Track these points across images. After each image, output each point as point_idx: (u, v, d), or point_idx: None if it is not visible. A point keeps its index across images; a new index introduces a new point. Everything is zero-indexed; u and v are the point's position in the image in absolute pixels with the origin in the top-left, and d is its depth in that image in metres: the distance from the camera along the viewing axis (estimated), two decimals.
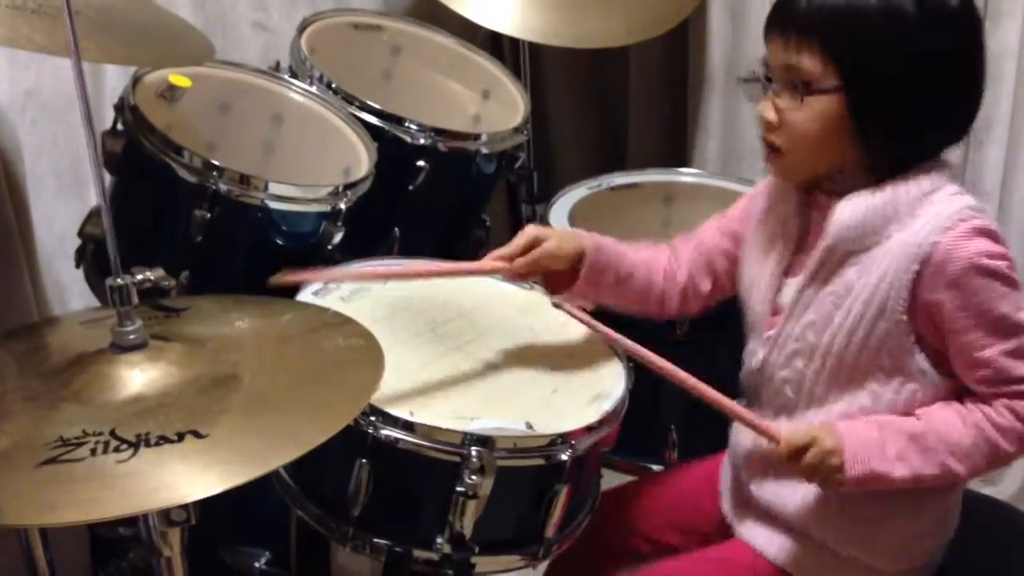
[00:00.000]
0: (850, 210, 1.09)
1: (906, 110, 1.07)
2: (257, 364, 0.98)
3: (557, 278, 1.30)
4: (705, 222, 1.35)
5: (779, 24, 1.09)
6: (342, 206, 1.40)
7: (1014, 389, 1.08)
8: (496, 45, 2.07)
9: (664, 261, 1.33)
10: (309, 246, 1.41)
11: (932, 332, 1.09)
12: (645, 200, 1.90)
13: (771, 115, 1.11)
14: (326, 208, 1.40)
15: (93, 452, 0.80)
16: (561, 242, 1.28)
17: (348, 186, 1.42)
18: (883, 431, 1.08)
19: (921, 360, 1.10)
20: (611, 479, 1.42)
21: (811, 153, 1.11)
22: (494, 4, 1.89)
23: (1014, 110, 1.88)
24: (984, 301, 1.06)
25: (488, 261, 1.29)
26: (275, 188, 1.36)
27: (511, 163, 1.76)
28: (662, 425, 1.63)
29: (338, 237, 1.41)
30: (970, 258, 1.05)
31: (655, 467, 1.64)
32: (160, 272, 0.96)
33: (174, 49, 1.26)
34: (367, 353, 1.01)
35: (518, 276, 1.29)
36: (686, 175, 1.95)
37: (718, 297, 1.33)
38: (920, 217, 1.07)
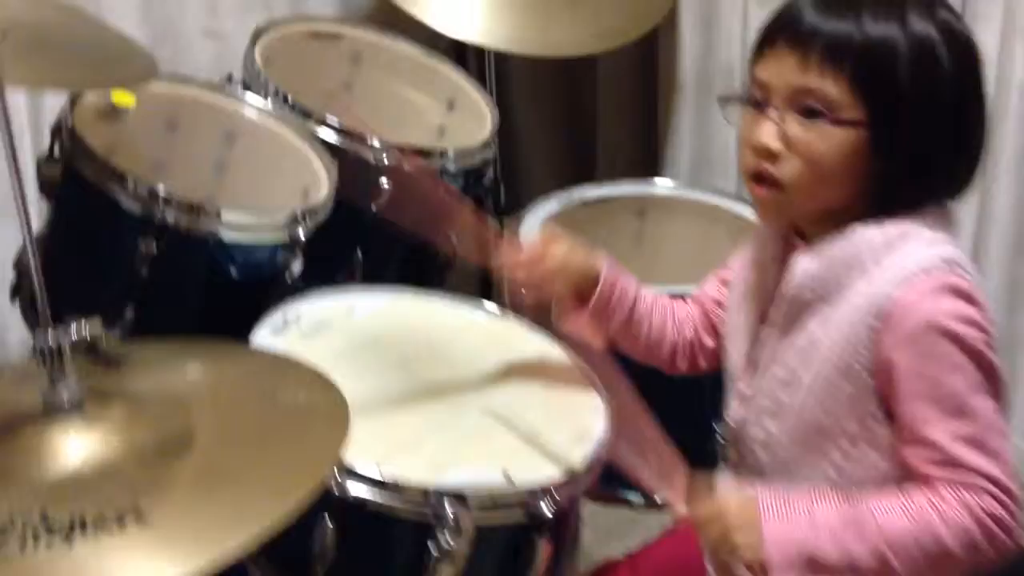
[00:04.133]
0: (810, 256, 1.00)
1: (928, 151, 0.98)
2: (208, 425, 0.89)
3: (566, 301, 1.18)
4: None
5: (795, 40, 0.97)
6: (302, 234, 1.31)
7: (965, 479, 0.93)
8: (460, 54, 1.99)
9: (679, 314, 1.23)
10: (266, 278, 1.32)
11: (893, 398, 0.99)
12: (617, 213, 1.83)
13: (776, 144, 0.98)
14: (284, 237, 1.30)
15: (22, 546, 0.71)
16: (571, 252, 1.17)
17: (307, 212, 1.33)
18: (814, 511, 0.96)
19: (888, 431, 0.98)
20: (586, 511, 1.34)
21: (817, 188, 0.99)
22: (458, 11, 1.80)
23: None
24: (938, 369, 0.93)
25: (505, 254, 1.17)
26: (228, 216, 1.26)
27: (479, 179, 1.68)
28: None
29: (298, 267, 1.31)
30: (929, 316, 0.93)
31: (633, 498, 1.56)
32: (98, 328, 0.86)
33: (115, 69, 1.16)
34: (331, 410, 0.92)
35: (531, 281, 1.16)
36: (660, 187, 1.88)
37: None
38: (883, 267, 0.97)
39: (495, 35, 1.79)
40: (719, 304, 1.20)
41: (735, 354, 1.12)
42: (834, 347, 0.98)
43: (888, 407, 0.98)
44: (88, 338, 0.86)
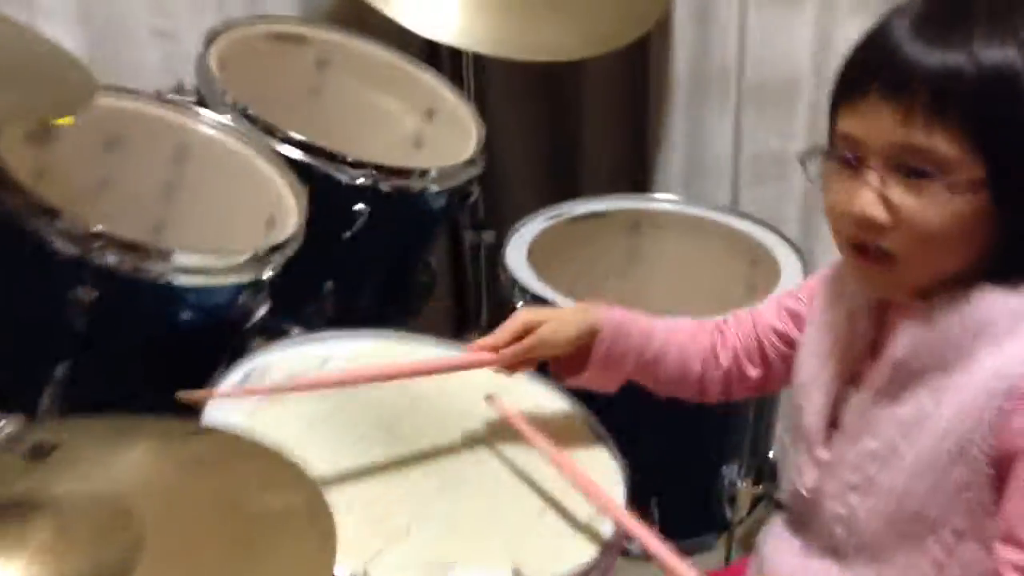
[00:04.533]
0: (926, 319, 0.86)
1: None
2: (156, 543, 0.71)
3: (565, 362, 1.08)
4: (764, 300, 1.12)
5: (894, 86, 0.81)
6: (266, 275, 1.13)
7: None
8: (434, 56, 1.82)
9: (706, 343, 1.09)
10: (226, 325, 1.14)
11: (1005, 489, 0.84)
12: (609, 229, 1.71)
13: (880, 213, 0.82)
14: (246, 279, 1.12)
15: None
16: (560, 325, 1.05)
17: (274, 248, 1.15)
18: None
19: None
20: None
21: (936, 260, 0.84)
22: (432, 10, 1.62)
23: None
24: None
25: (472, 355, 1.07)
26: (181, 259, 1.07)
27: (463, 199, 1.52)
28: (640, 495, 1.42)
29: (262, 311, 1.14)
30: None
31: (632, 547, 1.43)
32: (16, 425, 0.68)
33: (46, 93, 0.97)
34: (312, 520, 0.75)
35: (509, 368, 1.07)
36: (654, 201, 1.76)
37: (770, 387, 1.10)
38: (1019, 339, 0.83)
39: (473, 36, 1.63)
40: (780, 336, 1.07)
41: (811, 413, 0.96)
42: (949, 425, 0.84)
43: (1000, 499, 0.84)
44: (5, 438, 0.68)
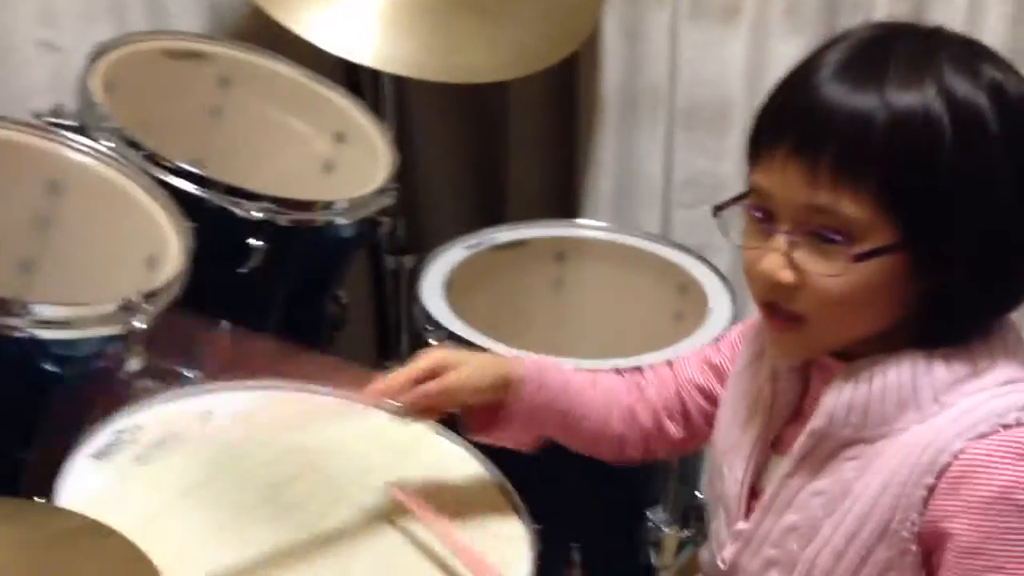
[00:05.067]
0: (851, 387, 0.79)
1: (989, 261, 0.76)
2: None
3: (478, 416, 0.99)
4: (685, 354, 1.06)
5: (797, 146, 0.75)
6: (139, 325, 1.03)
7: None
8: (352, 77, 1.73)
9: (624, 401, 1.02)
10: (93, 377, 1.03)
11: None
12: (533, 258, 1.64)
13: (787, 276, 0.77)
14: (116, 330, 1.02)
15: None
16: (472, 373, 0.96)
17: (149, 296, 1.05)
18: None
19: None
20: None
21: (847, 325, 0.79)
22: (348, 30, 1.53)
23: None
24: (1003, 554, 0.74)
25: (370, 393, 0.96)
26: (40, 311, 0.97)
27: (373, 228, 1.43)
28: (562, 542, 1.36)
29: (134, 363, 1.03)
30: (1003, 486, 0.74)
31: None
32: None
33: None
34: None
35: (418, 409, 0.96)
36: (581, 227, 1.69)
37: (692, 445, 1.04)
38: (949, 409, 0.77)
39: (392, 58, 1.54)
40: (702, 392, 1.01)
41: (731, 481, 0.90)
42: (872, 502, 0.78)
43: None
44: None
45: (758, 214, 0.79)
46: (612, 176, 1.91)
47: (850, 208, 0.74)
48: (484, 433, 1.00)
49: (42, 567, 0.72)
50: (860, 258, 0.75)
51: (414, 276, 1.48)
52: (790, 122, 0.76)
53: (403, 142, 1.86)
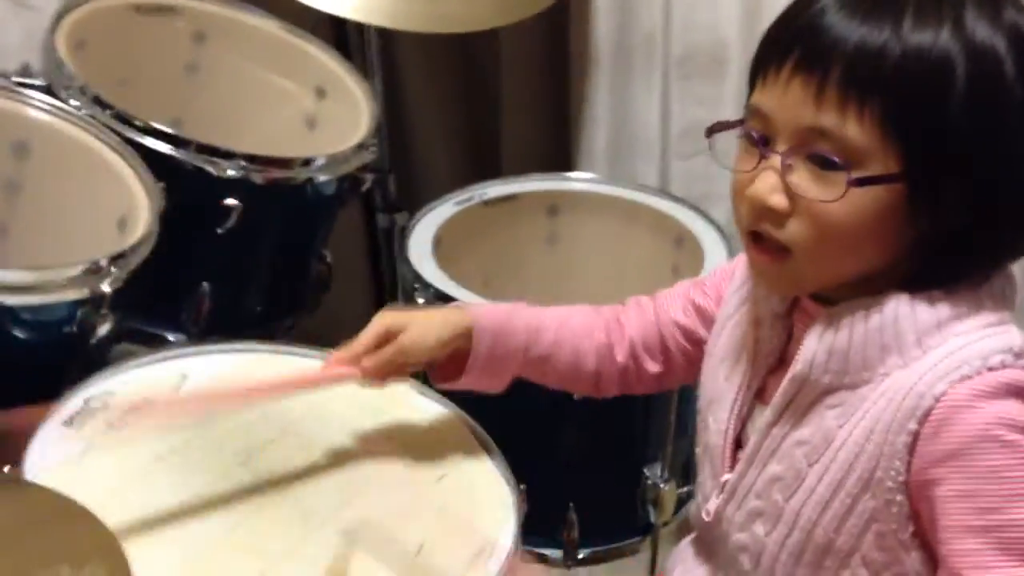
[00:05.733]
0: (832, 331, 0.76)
1: (991, 207, 0.73)
2: None
3: (439, 368, 0.98)
4: (670, 288, 1.02)
5: (804, 60, 0.72)
6: (107, 288, 1.00)
7: None
8: (338, 31, 1.69)
9: (602, 337, 1.00)
10: (61, 344, 1.01)
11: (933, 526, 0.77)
12: (525, 212, 1.60)
13: (779, 200, 0.75)
14: (83, 294, 0.99)
15: None
16: (423, 331, 0.95)
17: (115, 258, 1.02)
18: None
19: (920, 562, 0.77)
20: None
21: (837, 259, 0.76)
22: None
23: None
24: (997, 495, 0.72)
25: (331, 368, 0.96)
26: (4, 277, 0.94)
27: (356, 185, 1.40)
28: (558, 503, 1.35)
29: (105, 328, 1.01)
30: (989, 424, 0.72)
31: (553, 553, 1.36)
32: None
33: None
34: None
35: (374, 379, 0.96)
36: (573, 180, 1.66)
37: (670, 382, 1.02)
38: (932, 353, 0.74)
39: (376, 10, 1.49)
40: (684, 332, 0.98)
41: (716, 431, 0.88)
42: (856, 449, 0.76)
43: (924, 535, 0.76)
44: None
45: (754, 135, 0.76)
46: (607, 128, 1.87)
47: (854, 131, 0.71)
48: (448, 381, 0.99)
49: (4, 546, 0.69)
50: (861, 183, 0.72)
51: (404, 233, 1.45)
52: (798, 39, 0.73)
53: (393, 99, 1.83)
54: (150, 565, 0.76)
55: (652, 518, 1.40)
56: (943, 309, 0.75)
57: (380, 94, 1.57)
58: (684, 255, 1.53)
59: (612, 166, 1.86)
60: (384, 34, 1.65)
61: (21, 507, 0.74)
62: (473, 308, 0.99)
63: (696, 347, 0.97)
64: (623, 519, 1.41)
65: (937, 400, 0.73)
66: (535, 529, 1.35)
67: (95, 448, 0.91)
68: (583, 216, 1.61)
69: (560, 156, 1.91)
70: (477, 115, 1.99)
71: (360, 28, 1.66)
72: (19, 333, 0.99)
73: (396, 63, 1.85)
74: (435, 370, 0.99)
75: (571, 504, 1.34)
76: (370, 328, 0.95)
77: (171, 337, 1.28)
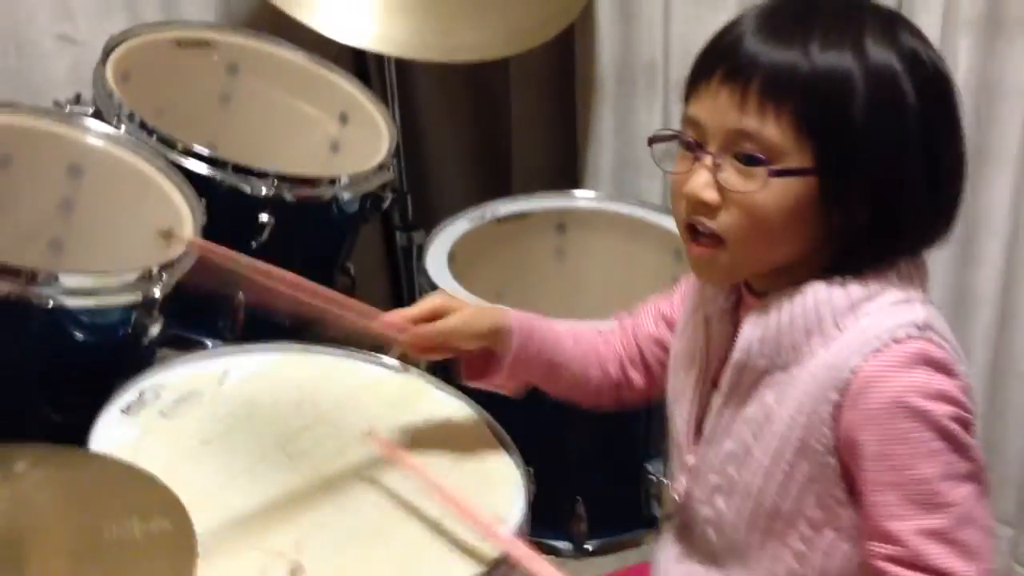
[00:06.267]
0: (763, 319, 0.86)
1: (892, 200, 0.83)
2: (13, 569, 0.70)
3: (471, 363, 1.06)
4: (643, 303, 1.11)
5: (733, 73, 0.82)
6: (158, 293, 1.11)
7: None
8: (359, 61, 1.80)
9: (601, 352, 1.09)
10: (117, 343, 1.12)
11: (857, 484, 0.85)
12: (535, 230, 1.69)
13: (711, 195, 0.84)
14: (136, 298, 1.10)
15: None
16: (472, 318, 1.03)
17: (165, 266, 1.13)
18: None
19: (855, 516, 0.86)
20: None
21: (763, 246, 0.85)
22: (350, 16, 1.60)
23: None
24: (906, 453, 0.81)
25: (387, 319, 1.03)
26: (67, 281, 1.05)
27: (377, 203, 1.50)
28: (567, 495, 1.42)
29: (156, 329, 1.12)
30: (899, 391, 0.80)
31: (563, 545, 1.43)
32: None
33: None
34: (175, 545, 0.73)
35: (418, 348, 1.04)
36: (580, 199, 1.74)
37: (655, 393, 1.09)
38: (847, 332, 0.83)
39: (393, 41, 1.60)
40: (657, 342, 1.07)
41: (679, 420, 0.97)
42: (790, 422, 0.85)
43: (854, 490, 0.85)
44: None
45: (690, 140, 0.85)
46: (612, 149, 1.95)
47: (773, 131, 0.81)
48: (476, 378, 1.07)
49: (81, 504, 0.80)
50: (778, 174, 0.82)
51: (421, 250, 1.54)
52: (724, 57, 0.83)
53: (410, 123, 1.93)
54: (200, 530, 0.86)
55: (655, 511, 1.46)
56: (855, 291, 0.84)
57: (397, 119, 1.67)
58: (683, 267, 1.57)
59: (617, 184, 1.94)
60: (401, 64, 1.76)
61: (93, 473, 0.85)
62: (506, 312, 1.06)
63: (666, 353, 1.05)
64: (629, 513, 1.47)
65: (853, 373, 0.82)
66: (546, 522, 1.44)
67: (149, 433, 1.02)
68: (589, 232, 1.70)
69: (567, 175, 2.00)
70: (488, 137, 2.09)
71: (379, 58, 1.77)
72: (80, 334, 1.09)
73: (412, 90, 1.95)
74: (462, 365, 1.07)
75: (579, 498, 1.41)
76: (425, 302, 1.03)
77: (209, 343, 1.38)
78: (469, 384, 1.09)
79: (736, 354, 0.88)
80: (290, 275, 1.05)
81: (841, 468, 0.84)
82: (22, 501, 0.80)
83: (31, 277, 1.03)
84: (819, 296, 0.84)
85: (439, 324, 1.02)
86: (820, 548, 0.87)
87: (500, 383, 1.07)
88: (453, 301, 1.05)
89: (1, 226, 1.20)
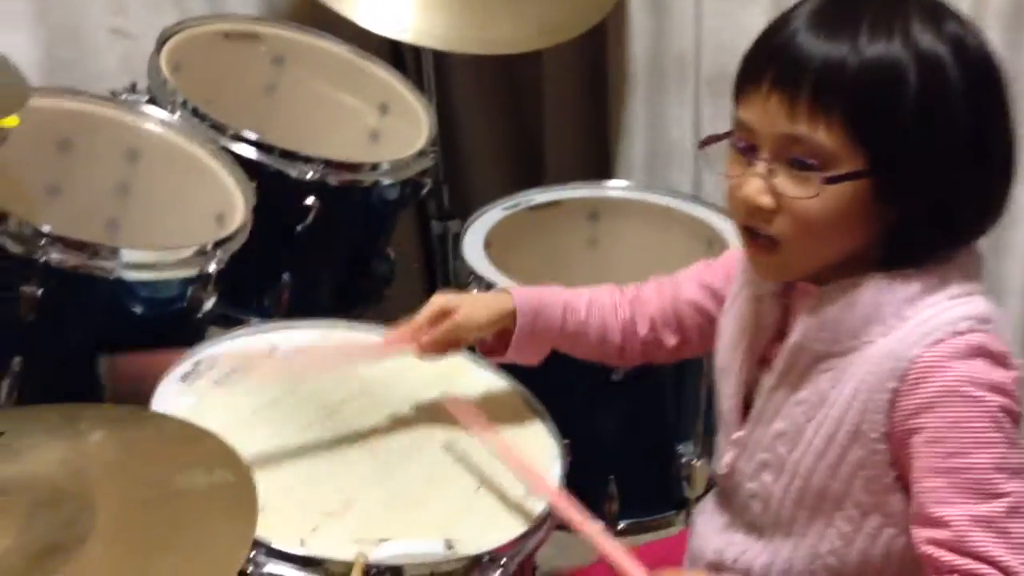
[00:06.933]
0: (824, 307, 0.89)
1: (946, 192, 0.85)
2: (92, 525, 0.75)
3: (488, 344, 1.11)
4: (685, 269, 1.15)
5: (779, 79, 0.83)
6: (212, 268, 1.17)
7: (977, 569, 0.82)
8: (396, 53, 1.85)
9: (626, 313, 1.12)
10: (173, 316, 1.18)
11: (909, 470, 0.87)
12: (568, 218, 1.72)
13: (766, 200, 0.86)
14: (193, 272, 1.16)
15: None
16: (473, 310, 1.09)
17: (219, 243, 1.18)
18: None
19: (902, 503, 0.88)
20: None
21: (819, 247, 0.87)
22: (389, 9, 1.65)
23: None
24: (960, 441, 0.83)
25: (391, 341, 1.09)
26: (127, 255, 1.11)
27: (416, 189, 1.55)
28: (600, 476, 1.46)
29: (210, 303, 1.17)
30: (954, 382, 0.83)
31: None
32: None
33: None
34: (237, 495, 0.79)
35: (429, 353, 1.10)
36: (612, 188, 1.76)
37: (686, 354, 1.14)
38: (908, 322, 0.86)
39: (430, 34, 1.65)
40: (698, 310, 1.10)
41: (727, 396, 1.00)
42: (845, 407, 0.88)
43: (904, 478, 0.87)
44: None
45: (741, 144, 0.87)
46: (643, 141, 1.98)
47: (824, 137, 0.83)
48: (496, 357, 1.12)
49: (146, 458, 0.85)
50: (832, 180, 0.83)
51: (457, 237, 1.58)
52: (772, 61, 0.85)
53: (446, 114, 1.95)
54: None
55: (686, 492, 1.50)
56: (915, 284, 0.86)
57: (433, 110, 1.73)
58: (714, 256, 1.63)
59: (648, 174, 1.97)
60: (437, 56, 1.81)
61: (155, 431, 0.90)
62: (515, 291, 1.11)
63: (707, 321, 1.08)
64: (659, 493, 1.50)
65: (912, 362, 0.84)
66: (577, 503, 1.48)
67: (204, 401, 1.08)
68: (622, 221, 1.73)
69: (599, 166, 2.04)
70: (522, 129, 2.13)
71: (415, 51, 1.82)
72: (139, 306, 1.15)
73: (448, 83, 2.00)
74: (483, 345, 1.12)
75: (611, 478, 1.44)
76: (426, 308, 1.08)
77: (254, 321, 1.43)
78: (489, 360, 1.14)
79: (793, 337, 0.91)
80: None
81: (892, 455, 0.86)
82: (90, 456, 0.85)
83: (94, 251, 1.09)
84: (880, 288, 0.87)
85: (446, 324, 1.07)
86: (865, 531, 0.89)
87: (517, 357, 1.11)
88: (455, 298, 1.09)
89: (61, 206, 1.26)
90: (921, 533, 0.85)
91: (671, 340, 1.12)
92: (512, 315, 1.08)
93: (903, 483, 0.87)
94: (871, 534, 0.89)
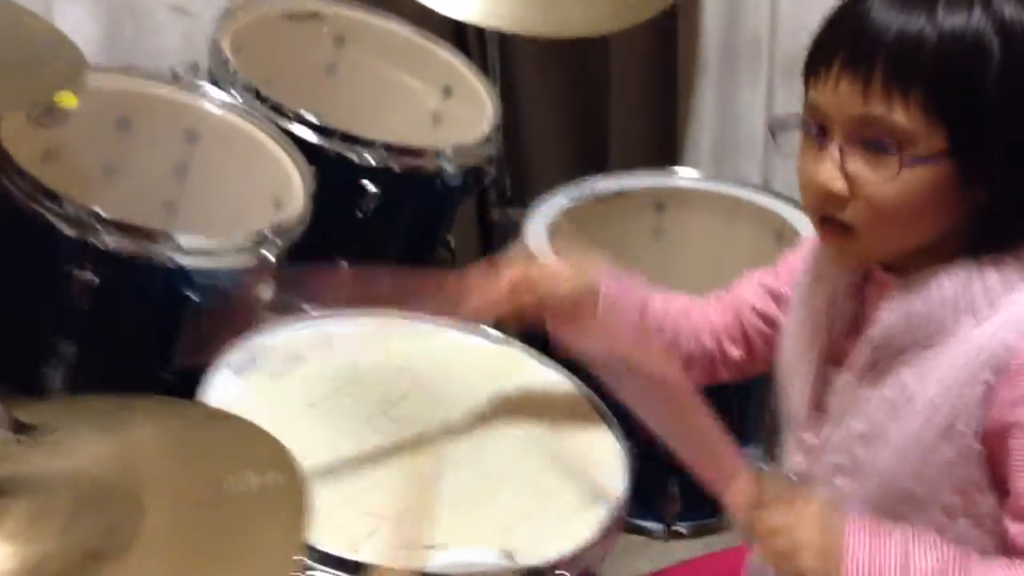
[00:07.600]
0: (908, 299, 0.83)
1: None
2: (134, 521, 0.72)
3: (563, 318, 1.04)
4: (741, 280, 1.08)
5: (850, 59, 0.78)
6: (271, 256, 1.13)
7: None
8: (460, 34, 1.80)
9: (695, 318, 1.07)
10: (230, 303, 1.15)
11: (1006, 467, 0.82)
12: (634, 208, 1.67)
13: (839, 185, 0.81)
14: (250, 261, 1.13)
15: None
16: (561, 281, 1.03)
17: (277, 230, 1.15)
18: (910, 556, 0.80)
19: (994, 504, 0.82)
20: None
21: (896, 233, 0.82)
22: None
23: None
24: None
25: (471, 311, 1.04)
26: (183, 241, 1.08)
27: (479, 177, 1.50)
28: (660, 477, 1.41)
29: (268, 292, 1.14)
30: None
31: (653, 526, 1.44)
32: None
33: (25, 78, 0.97)
34: (288, 498, 0.75)
35: (512, 317, 1.05)
36: (679, 178, 1.71)
37: (753, 368, 1.08)
38: (1003, 312, 0.80)
39: (496, 14, 1.60)
40: (760, 316, 1.04)
41: (796, 397, 0.94)
42: (934, 403, 0.82)
43: (998, 476, 0.81)
44: None
45: (813, 128, 0.82)
46: (712, 128, 1.93)
47: (901, 117, 0.77)
48: (565, 330, 1.04)
49: (197, 456, 0.82)
50: (910, 163, 0.78)
51: (518, 225, 1.54)
52: (843, 39, 0.79)
53: (509, 98, 1.92)
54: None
55: None
56: (1010, 272, 0.81)
57: (497, 94, 1.68)
58: (784, 247, 1.57)
59: (716, 163, 1.92)
60: (501, 38, 1.76)
61: (206, 427, 0.87)
62: (597, 274, 1.04)
63: (772, 328, 1.02)
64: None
65: (1011, 353, 0.78)
66: (638, 502, 1.43)
67: (257, 393, 1.05)
68: (689, 212, 1.67)
69: (666, 153, 1.98)
70: (586, 114, 2.07)
71: (479, 32, 1.78)
72: (193, 294, 1.13)
73: (512, 66, 1.95)
74: (557, 320, 1.04)
75: (674, 480, 1.40)
76: (508, 273, 1.03)
77: (310, 310, 1.41)
78: (558, 337, 1.06)
79: (875, 332, 0.85)
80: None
81: (986, 452, 0.81)
82: (139, 451, 0.82)
83: (150, 236, 1.06)
84: (971, 276, 0.81)
85: (527, 299, 1.01)
86: (951, 535, 0.83)
87: (597, 335, 1.03)
88: (537, 266, 1.04)
89: (118, 186, 1.24)
90: (1019, 531, 0.79)
91: (736, 353, 1.06)
92: (591, 289, 1.03)
93: (997, 481, 0.81)
94: (959, 539, 0.83)
